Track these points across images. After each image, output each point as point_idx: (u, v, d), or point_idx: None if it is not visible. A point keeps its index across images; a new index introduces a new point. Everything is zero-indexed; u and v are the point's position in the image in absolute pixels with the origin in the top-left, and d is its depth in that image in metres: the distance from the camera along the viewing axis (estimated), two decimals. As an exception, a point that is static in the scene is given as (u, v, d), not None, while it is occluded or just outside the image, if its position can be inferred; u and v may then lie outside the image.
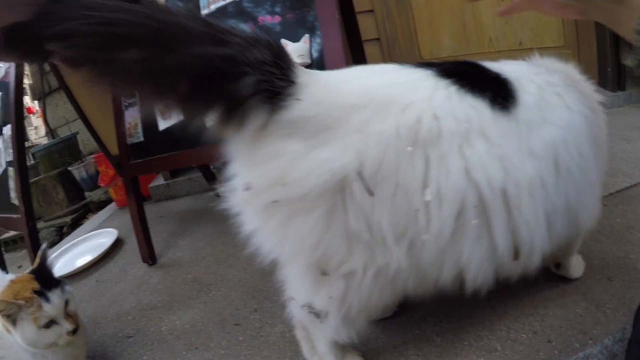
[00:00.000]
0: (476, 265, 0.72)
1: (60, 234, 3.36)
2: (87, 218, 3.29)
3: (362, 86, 0.70)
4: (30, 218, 1.51)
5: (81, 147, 3.75)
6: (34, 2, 0.53)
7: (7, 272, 1.16)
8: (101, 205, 3.13)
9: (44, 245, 1.12)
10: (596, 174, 0.81)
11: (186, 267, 1.58)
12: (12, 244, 3.89)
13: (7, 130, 1.62)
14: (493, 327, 0.90)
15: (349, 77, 0.74)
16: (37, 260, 1.07)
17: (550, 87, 0.79)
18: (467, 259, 0.71)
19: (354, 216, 0.65)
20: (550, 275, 1.01)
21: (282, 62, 0.65)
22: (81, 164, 3.26)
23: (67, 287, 1.05)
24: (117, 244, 2.01)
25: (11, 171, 1.63)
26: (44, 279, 1.03)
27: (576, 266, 1.01)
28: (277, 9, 1.25)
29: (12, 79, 1.55)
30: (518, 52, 2.65)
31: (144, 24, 0.57)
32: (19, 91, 1.55)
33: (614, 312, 0.89)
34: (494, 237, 0.71)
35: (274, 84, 0.63)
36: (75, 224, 3.21)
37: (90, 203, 3.36)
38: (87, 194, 3.27)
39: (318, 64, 1.17)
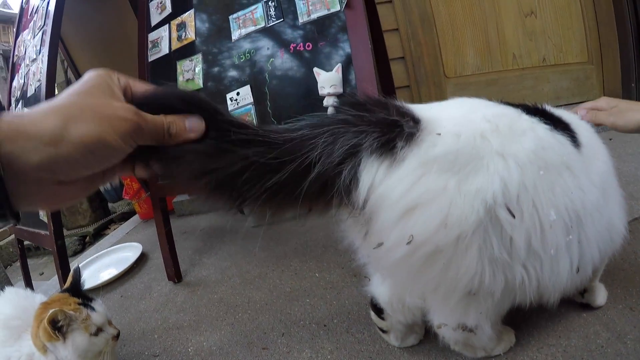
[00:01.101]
0: (565, 280, 0.77)
1: (83, 243, 3.41)
2: (109, 228, 3.34)
3: (482, 114, 0.73)
4: (59, 236, 1.54)
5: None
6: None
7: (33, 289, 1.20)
8: (124, 216, 3.18)
9: (77, 265, 1.15)
10: (620, 197, 0.90)
11: (212, 286, 1.59)
12: (34, 251, 3.96)
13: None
14: (515, 357, 0.90)
15: (457, 108, 0.79)
16: (70, 279, 1.11)
17: (588, 130, 0.88)
18: (562, 274, 0.76)
19: (498, 241, 0.68)
20: (572, 306, 1.01)
21: (399, 109, 0.69)
22: (105, 175, 3.28)
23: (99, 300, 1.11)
24: (141, 259, 2.03)
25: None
26: (79, 296, 1.07)
27: (600, 293, 1.02)
28: (310, 37, 1.26)
29: (43, 94, 1.59)
30: (542, 68, 2.65)
31: (280, 155, 0.61)
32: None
33: (635, 344, 0.88)
34: (573, 253, 0.76)
35: (402, 131, 0.66)
36: (97, 234, 3.26)
37: (113, 214, 3.40)
38: (110, 205, 3.31)
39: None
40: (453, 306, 0.77)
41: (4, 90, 6.17)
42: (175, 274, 1.67)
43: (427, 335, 1.00)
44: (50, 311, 0.95)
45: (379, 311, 0.96)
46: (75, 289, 1.09)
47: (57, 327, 0.97)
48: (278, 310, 1.31)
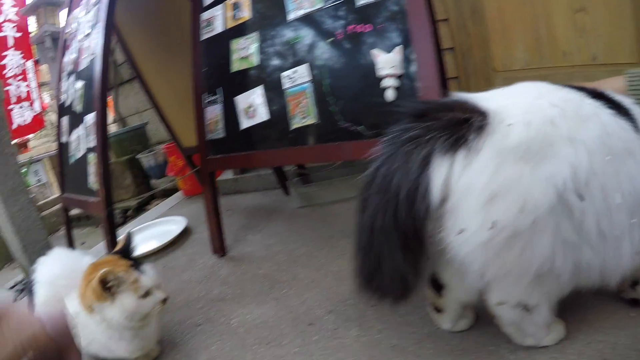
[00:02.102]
0: (627, 261, 0.77)
1: (125, 217, 3.49)
2: (151, 204, 3.42)
3: (548, 100, 0.76)
4: (109, 203, 1.56)
5: (149, 137, 3.88)
6: None
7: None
8: (166, 193, 3.24)
9: (131, 229, 1.17)
10: None
11: (257, 262, 1.59)
12: (76, 221, 4.08)
13: (90, 118, 1.70)
14: (565, 350, 0.86)
15: (523, 95, 0.81)
16: (123, 242, 1.13)
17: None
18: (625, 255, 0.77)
19: (569, 224, 0.72)
20: (620, 305, 0.97)
21: (463, 105, 0.76)
22: (150, 153, 3.36)
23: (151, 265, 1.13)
24: (184, 233, 2.06)
25: (91, 157, 1.70)
26: (130, 259, 1.09)
27: None
28: (368, 18, 1.25)
29: (98, 68, 1.61)
30: (592, 67, 2.56)
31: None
32: (105, 80, 1.60)
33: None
34: (634, 236, 0.76)
35: (472, 127, 0.72)
36: (139, 209, 3.33)
37: (155, 190, 3.48)
38: (153, 181, 3.38)
39: (410, 76, 1.17)
40: (522, 285, 0.79)
41: (54, 68, 6.36)
42: (220, 248, 1.68)
43: (477, 321, 0.98)
44: (101, 271, 0.98)
45: (438, 287, 0.95)
46: (127, 252, 1.11)
47: (107, 288, 0.99)
48: (325, 289, 1.30)
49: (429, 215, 0.74)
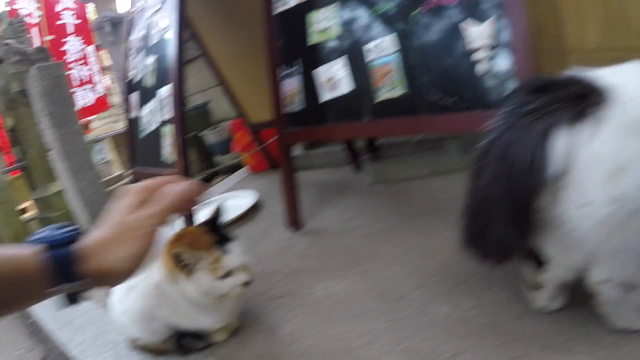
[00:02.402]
0: None
1: (189, 193, 3.56)
2: (214, 180, 3.47)
3: None
4: (187, 174, 1.56)
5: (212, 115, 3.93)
6: None
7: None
8: (230, 169, 3.28)
9: (220, 202, 1.15)
10: None
11: (334, 236, 1.56)
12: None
13: (164, 90, 1.71)
14: None
15: (635, 73, 0.77)
16: (212, 214, 1.08)
17: None
18: None
19: None
20: None
21: (582, 82, 0.74)
22: (213, 130, 3.40)
23: (241, 240, 1.06)
24: (255, 207, 2.06)
25: (166, 130, 1.71)
26: (218, 232, 1.03)
27: None
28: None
29: (173, 39, 1.62)
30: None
31: None
32: (181, 51, 1.60)
33: None
34: None
35: (594, 101, 0.70)
36: (203, 185, 3.39)
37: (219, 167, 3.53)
38: (216, 158, 3.43)
39: (504, 47, 1.10)
40: (629, 262, 0.76)
41: (114, 52, 6.54)
42: (295, 221, 1.67)
43: (569, 302, 0.92)
44: (175, 249, 0.96)
45: (539, 264, 0.90)
46: (215, 226, 1.05)
47: (181, 264, 0.97)
48: (409, 264, 1.25)
49: (545, 187, 0.72)
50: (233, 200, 2.23)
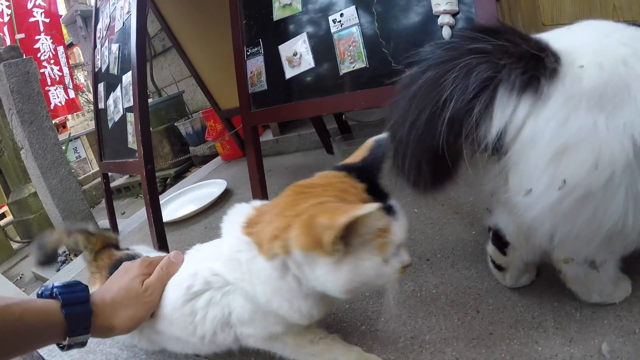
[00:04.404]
0: None
1: (164, 185, 3.52)
2: (189, 171, 3.43)
3: (616, 38, 0.64)
4: (149, 161, 1.51)
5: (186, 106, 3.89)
6: None
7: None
8: (204, 160, 3.25)
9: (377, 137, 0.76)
10: None
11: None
12: (115, 193, 4.16)
13: (127, 76, 1.67)
14: (632, 309, 0.79)
15: (588, 33, 0.69)
16: (365, 152, 0.74)
17: None
18: None
19: None
20: None
21: (537, 41, 0.62)
22: (187, 120, 3.35)
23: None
24: (225, 195, 2.04)
25: (130, 116, 1.67)
26: (372, 184, 0.68)
27: None
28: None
29: (133, 26, 1.56)
30: (644, 22, 2.38)
31: None
32: (141, 38, 1.55)
33: None
34: None
35: (545, 67, 0.59)
36: (178, 177, 3.35)
37: (194, 157, 3.48)
38: (191, 148, 3.39)
39: (466, 12, 1.08)
40: (591, 244, 0.69)
41: (86, 48, 6.43)
42: (263, 205, 1.64)
43: (538, 276, 0.90)
44: (355, 213, 0.53)
45: (503, 245, 0.87)
46: (366, 173, 0.69)
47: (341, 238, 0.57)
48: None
49: (474, 148, 0.64)
50: (203, 189, 2.20)
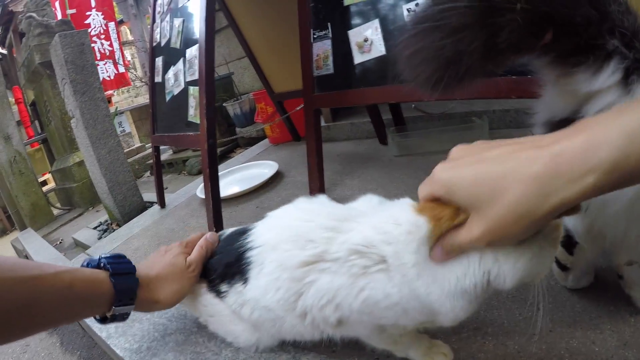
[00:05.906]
0: None
1: (210, 163, 3.55)
2: (234, 152, 3.45)
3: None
4: (211, 135, 1.51)
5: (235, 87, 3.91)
6: None
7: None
8: (250, 142, 3.26)
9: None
10: None
11: (360, 203, 1.52)
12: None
13: (192, 50, 1.67)
14: None
15: None
16: None
17: None
18: None
19: None
20: None
21: None
22: (236, 102, 3.37)
23: None
24: (276, 176, 2.04)
25: (192, 90, 1.68)
26: None
27: None
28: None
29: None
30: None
31: None
32: (211, 12, 1.52)
33: None
34: None
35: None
36: (223, 156, 3.37)
37: (240, 139, 3.50)
38: (238, 129, 3.40)
39: None
40: None
41: (136, 26, 6.53)
42: (319, 189, 1.63)
43: (596, 280, 0.90)
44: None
45: (571, 245, 0.85)
46: None
47: None
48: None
49: None
50: (253, 169, 2.21)
